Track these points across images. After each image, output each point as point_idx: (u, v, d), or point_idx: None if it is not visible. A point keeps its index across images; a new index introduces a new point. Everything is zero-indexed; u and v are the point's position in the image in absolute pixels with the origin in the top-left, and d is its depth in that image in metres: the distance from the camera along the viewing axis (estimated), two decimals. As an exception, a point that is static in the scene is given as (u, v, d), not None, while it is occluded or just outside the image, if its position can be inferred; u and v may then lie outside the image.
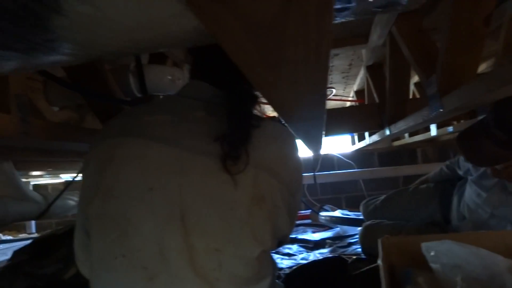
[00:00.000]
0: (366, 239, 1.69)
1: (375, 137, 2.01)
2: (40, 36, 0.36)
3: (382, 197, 1.92)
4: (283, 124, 0.89)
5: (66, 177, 3.09)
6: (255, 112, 0.78)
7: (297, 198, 0.78)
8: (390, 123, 1.64)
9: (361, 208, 2.00)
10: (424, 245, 0.86)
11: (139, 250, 0.65)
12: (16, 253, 1.57)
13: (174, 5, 0.31)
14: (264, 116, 0.83)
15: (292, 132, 0.84)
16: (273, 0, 0.25)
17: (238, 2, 0.25)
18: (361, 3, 0.37)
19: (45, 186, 3.63)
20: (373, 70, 1.91)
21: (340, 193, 3.33)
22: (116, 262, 0.66)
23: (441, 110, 1.00)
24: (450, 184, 1.76)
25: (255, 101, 0.77)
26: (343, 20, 0.42)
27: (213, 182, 0.66)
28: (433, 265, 0.81)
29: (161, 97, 1.43)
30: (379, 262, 0.99)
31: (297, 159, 0.77)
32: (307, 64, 0.41)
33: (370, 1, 0.37)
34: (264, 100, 0.84)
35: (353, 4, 0.36)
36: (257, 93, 0.80)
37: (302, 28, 0.31)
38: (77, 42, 0.39)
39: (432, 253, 0.82)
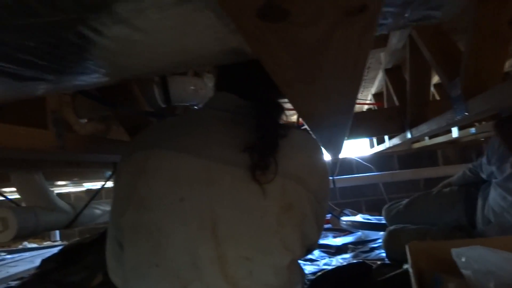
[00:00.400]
0: (390, 244, 1.67)
1: (396, 141, 1.99)
2: (87, 61, 0.37)
3: (405, 201, 1.90)
4: (308, 132, 0.90)
5: (88, 185, 3.16)
6: (281, 121, 0.80)
7: (324, 206, 0.79)
8: (411, 126, 1.63)
9: (383, 212, 1.98)
10: (454, 251, 0.85)
11: (172, 259, 0.66)
12: (45, 261, 1.62)
13: (220, 29, 0.32)
14: (289, 124, 0.83)
15: (316, 140, 0.85)
16: (321, 26, 0.26)
17: (288, 29, 0.26)
18: (397, 18, 0.38)
19: (68, 194, 3.71)
20: (392, 73, 1.90)
21: (359, 197, 3.30)
22: (150, 271, 0.67)
23: (467, 113, 0.99)
24: (475, 187, 1.73)
25: (281, 111, 0.78)
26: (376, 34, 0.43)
27: (242, 192, 0.67)
28: (465, 271, 0.80)
29: (184, 108, 1.46)
30: (408, 268, 0.99)
31: (323, 167, 0.78)
32: (343, 77, 0.42)
33: (406, 16, 0.37)
34: (288, 107, 0.85)
35: (389, 21, 0.37)
36: (282, 102, 0.81)
37: (344, 47, 0.32)
38: (119, 65, 0.41)
39: (463, 259, 0.82)
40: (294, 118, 2.07)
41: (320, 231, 0.79)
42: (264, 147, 0.68)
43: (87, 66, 0.38)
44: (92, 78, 0.44)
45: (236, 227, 0.66)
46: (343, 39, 0.30)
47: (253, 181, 0.67)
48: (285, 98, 0.88)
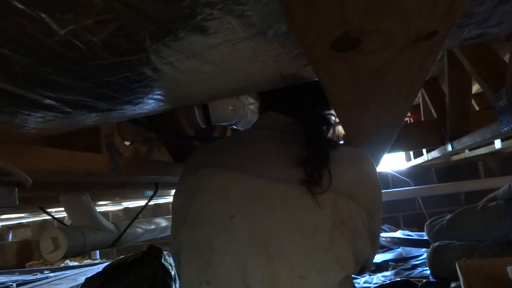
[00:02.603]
0: (435, 262, 1.61)
1: (435, 153, 1.94)
2: (155, 92, 0.40)
3: (448, 216, 1.83)
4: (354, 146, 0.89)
5: (126, 204, 3.24)
6: (329, 136, 0.79)
7: (376, 220, 0.77)
8: (452, 139, 1.59)
9: (425, 228, 1.92)
10: (510, 269, 0.82)
11: (221, 276, 0.67)
12: (89, 279, 1.66)
13: (282, 57, 0.33)
14: (335, 139, 0.83)
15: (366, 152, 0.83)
16: (388, 52, 0.27)
17: (356, 57, 0.27)
18: (454, 38, 0.38)
19: (106, 213, 3.82)
20: (429, 85, 1.86)
21: (397, 212, 3.21)
22: None
23: (515, 125, 0.95)
24: (523, 200, 1.65)
25: (329, 124, 0.78)
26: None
27: (294, 208, 0.67)
28: (524, 291, 0.76)
29: (222, 128, 1.49)
30: (458, 286, 0.95)
31: (374, 180, 0.76)
32: (397, 99, 0.42)
33: (464, 35, 0.38)
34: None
35: (447, 41, 0.37)
36: (328, 115, 0.81)
37: (405, 70, 0.32)
38: (181, 94, 0.43)
39: (521, 278, 0.78)
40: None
41: (374, 246, 0.77)
42: (317, 159, 0.69)
43: (153, 96, 0.40)
44: (153, 106, 0.47)
45: (289, 244, 0.66)
46: (406, 63, 0.31)
47: (304, 196, 0.67)
48: (329, 110, 0.88)
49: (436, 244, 1.68)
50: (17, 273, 3.53)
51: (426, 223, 1.92)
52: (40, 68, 0.29)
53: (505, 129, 1.01)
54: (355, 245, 0.68)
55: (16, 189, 0.63)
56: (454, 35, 0.37)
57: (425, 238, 2.03)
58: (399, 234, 2.31)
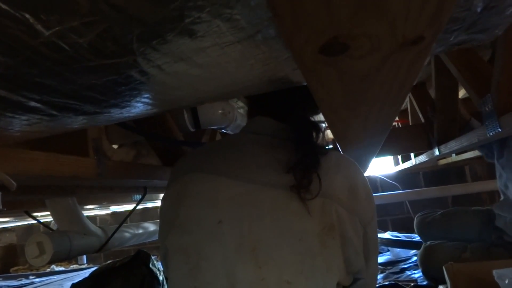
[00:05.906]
0: (427, 261, 1.62)
1: (423, 158, 1.96)
2: (143, 95, 0.39)
3: (440, 211, 1.85)
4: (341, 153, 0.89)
5: (114, 208, 3.21)
6: (319, 141, 0.79)
7: (370, 230, 0.74)
8: (439, 143, 1.61)
9: (415, 220, 1.92)
10: (496, 273, 0.83)
11: (210, 283, 0.67)
12: (75, 285, 1.64)
13: (270, 61, 0.33)
14: (324, 145, 0.82)
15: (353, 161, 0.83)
16: (376, 56, 0.27)
17: (345, 61, 0.27)
18: (441, 43, 0.39)
19: (94, 217, 3.77)
20: (417, 90, 1.89)
21: (385, 216, 3.23)
22: None
23: (500, 130, 0.97)
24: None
25: (319, 130, 0.78)
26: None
27: (282, 213, 0.67)
28: (510, 294, 0.77)
29: (212, 132, 1.48)
30: (446, 290, 0.96)
31: (365, 187, 0.75)
32: (385, 102, 0.43)
33: (450, 40, 0.38)
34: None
35: (433, 46, 0.38)
36: (318, 121, 0.81)
37: (393, 74, 0.33)
38: (169, 98, 0.43)
39: (506, 281, 0.79)
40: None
41: (370, 259, 0.74)
42: (307, 165, 0.68)
43: (141, 100, 0.40)
44: (141, 110, 0.46)
45: (277, 249, 0.66)
46: (394, 68, 0.31)
47: (293, 202, 0.67)
48: (318, 114, 0.88)
49: (428, 243, 1.69)
50: (1, 279, 3.46)
51: (417, 215, 1.93)
52: (25, 69, 0.28)
53: (491, 133, 1.03)
54: (344, 253, 0.67)
55: (0, 193, 0.61)
56: (441, 40, 0.37)
57: (413, 239, 2.05)
58: (387, 235, 2.33)
